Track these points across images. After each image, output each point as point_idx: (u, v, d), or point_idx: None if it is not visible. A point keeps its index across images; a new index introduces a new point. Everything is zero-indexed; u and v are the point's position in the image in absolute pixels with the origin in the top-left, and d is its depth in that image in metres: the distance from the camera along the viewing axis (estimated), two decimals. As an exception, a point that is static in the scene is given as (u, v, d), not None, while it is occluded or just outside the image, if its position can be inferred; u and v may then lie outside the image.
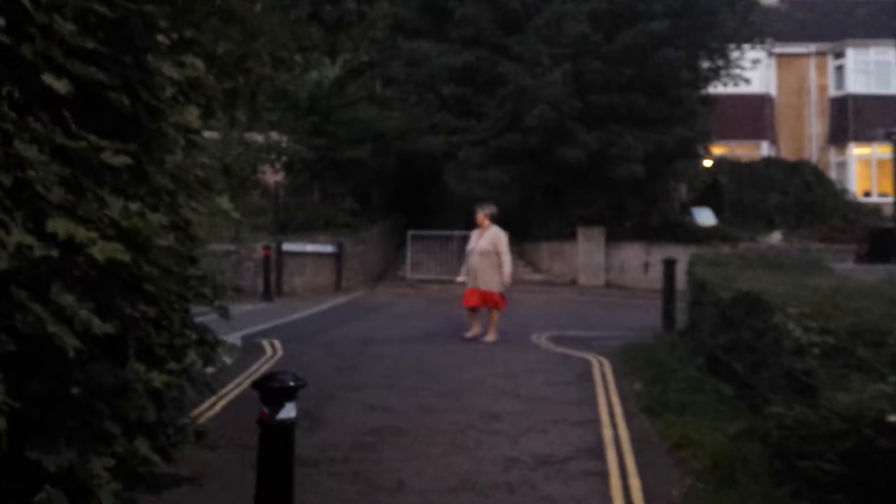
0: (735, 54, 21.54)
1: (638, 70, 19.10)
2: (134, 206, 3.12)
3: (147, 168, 3.71)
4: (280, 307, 16.45)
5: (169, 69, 3.88)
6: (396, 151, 22.84)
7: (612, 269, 21.97)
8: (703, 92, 22.26)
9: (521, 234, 21.72)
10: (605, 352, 10.75)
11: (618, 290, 21.11)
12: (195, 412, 7.15)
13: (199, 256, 6.12)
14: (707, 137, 21.12)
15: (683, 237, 21.37)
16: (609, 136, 19.23)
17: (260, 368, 9.34)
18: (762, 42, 23.56)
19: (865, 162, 28.78)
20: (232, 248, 18.61)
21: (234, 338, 11.15)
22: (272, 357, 10.11)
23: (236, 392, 8.18)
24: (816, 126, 29.64)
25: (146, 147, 3.71)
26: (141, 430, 3.62)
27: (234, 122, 22.43)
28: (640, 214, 21.64)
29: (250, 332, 12.02)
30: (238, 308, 15.54)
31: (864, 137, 28.59)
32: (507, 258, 11.70)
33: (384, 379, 8.82)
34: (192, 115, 4.92)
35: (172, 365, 4.71)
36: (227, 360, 9.82)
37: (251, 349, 10.56)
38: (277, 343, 11.01)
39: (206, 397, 7.31)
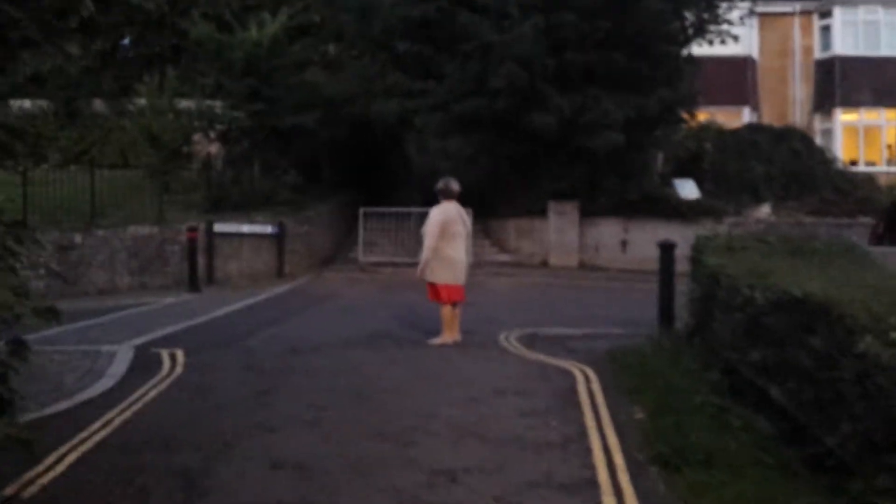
0: (723, 6, 19.36)
1: (617, 24, 16.89)
2: None
3: None
4: (206, 300, 14.14)
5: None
6: (348, 119, 20.48)
7: (586, 247, 19.94)
8: (684, 51, 20.12)
9: (487, 210, 19.61)
10: (590, 358, 8.70)
11: (593, 272, 19.13)
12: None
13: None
14: (693, 101, 19.00)
15: (665, 212, 19.46)
16: (584, 99, 17.07)
17: (143, 396, 7.09)
18: (746, -3, 21.47)
19: (852, 129, 27.02)
20: (153, 230, 16.21)
21: (125, 348, 8.93)
22: (167, 376, 7.86)
23: (96, 438, 5.93)
24: (801, 90, 27.78)
25: None
26: None
27: (163, 87, 19.97)
28: (617, 188, 19.57)
29: (152, 338, 9.76)
30: (157, 302, 13.35)
31: (852, 102, 26.83)
32: (426, 240, 9.45)
33: (309, 409, 6.63)
34: None
35: None
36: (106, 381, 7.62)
37: (144, 364, 8.32)
38: (181, 354, 8.75)
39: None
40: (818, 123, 27.37)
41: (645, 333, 9.93)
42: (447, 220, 9.34)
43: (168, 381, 7.66)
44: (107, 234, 15.84)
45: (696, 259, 8.30)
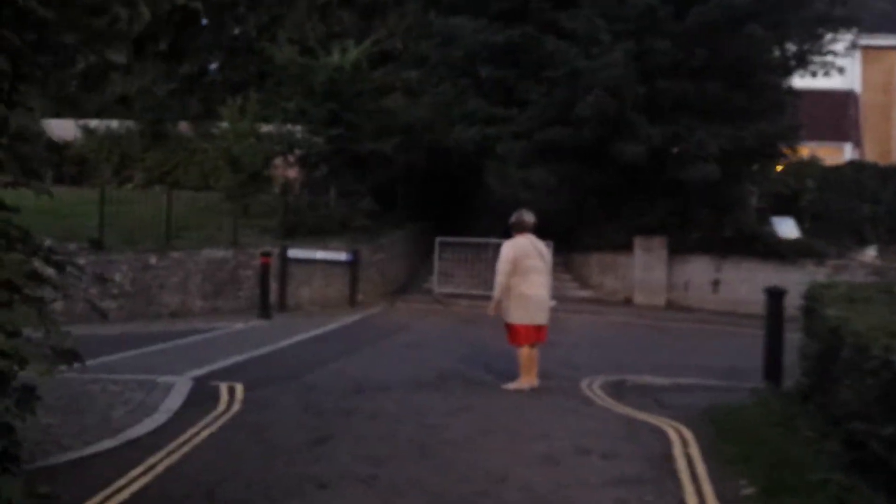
0: (827, 37, 18.13)
1: (713, 52, 15.90)
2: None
3: None
4: (276, 327, 13.70)
5: None
6: (426, 145, 19.96)
7: (674, 286, 18.81)
8: (785, 83, 18.95)
9: (569, 243, 18.73)
10: (685, 416, 7.77)
11: (681, 313, 17.99)
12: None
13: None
14: (796, 134, 17.75)
15: (761, 252, 18.23)
16: (677, 129, 16.09)
17: (193, 437, 6.53)
18: (851, 28, 20.15)
19: (962, 168, 25.07)
20: (228, 253, 15.93)
21: (183, 380, 8.44)
22: (223, 414, 7.30)
23: (133, 487, 5.36)
24: (906, 127, 26.06)
25: None
26: None
27: (245, 111, 19.88)
28: (709, 224, 18.42)
29: (214, 369, 9.27)
30: (227, 328, 12.97)
31: (962, 140, 25.02)
32: (497, 276, 8.74)
33: (366, 463, 5.94)
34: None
35: None
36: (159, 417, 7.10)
37: (201, 398, 7.80)
38: (240, 389, 8.21)
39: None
40: (925, 162, 25.55)
41: (746, 388, 9.00)
42: (519, 254, 8.62)
43: (222, 420, 7.10)
44: (181, 255, 15.64)
45: (810, 309, 7.33)
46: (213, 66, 28.11)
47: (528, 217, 8.88)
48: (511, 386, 8.74)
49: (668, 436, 7.06)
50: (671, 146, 16.03)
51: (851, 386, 5.86)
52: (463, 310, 16.83)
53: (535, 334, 8.76)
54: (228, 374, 8.99)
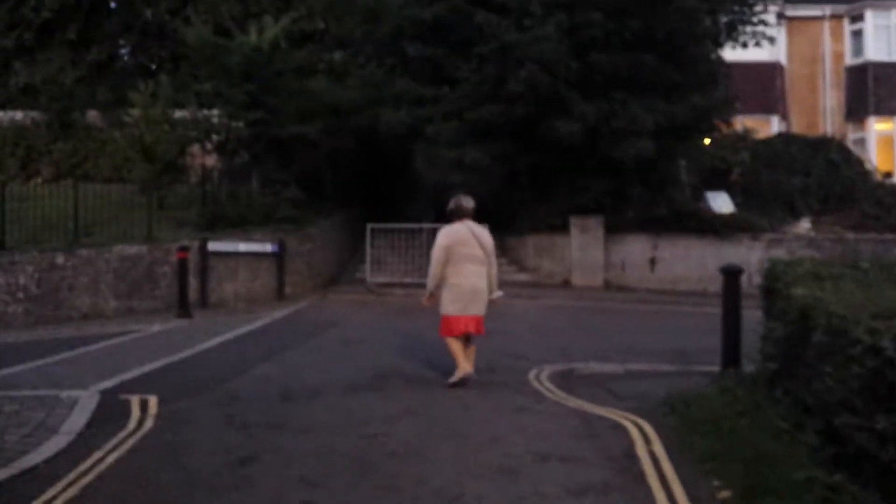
0: (757, 8, 17.89)
1: (647, 24, 15.45)
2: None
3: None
4: (196, 328, 12.74)
5: None
6: (354, 129, 19.08)
7: (611, 266, 18.47)
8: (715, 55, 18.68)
9: (504, 226, 18.15)
10: (641, 406, 7.30)
11: (620, 292, 17.68)
12: None
13: None
14: (730, 108, 17.50)
15: (697, 227, 18.06)
16: (611, 105, 15.61)
17: (98, 463, 5.68)
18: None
19: (887, 139, 25.50)
20: (142, 249, 14.84)
21: (89, 394, 7.52)
22: (133, 433, 6.44)
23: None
24: (831, 98, 26.32)
25: None
26: None
27: (156, 95, 18.65)
28: (644, 201, 18.11)
29: (125, 379, 8.35)
30: (143, 330, 11.95)
31: (886, 110, 25.34)
32: (431, 266, 8.36)
33: (298, 488, 5.19)
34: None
35: None
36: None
37: (109, 414, 6.93)
38: (154, 402, 7.34)
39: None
40: (850, 133, 25.89)
41: (699, 373, 8.57)
42: (453, 242, 8.12)
43: (132, 441, 6.25)
44: (91, 253, 14.48)
45: (772, 289, 6.86)
46: (124, 51, 26.59)
47: (467, 202, 8.33)
48: (452, 380, 8.11)
49: (629, 432, 6.53)
50: (605, 123, 15.53)
51: (830, 374, 5.37)
52: (398, 299, 16.13)
53: (469, 326, 8.14)
54: (141, 384, 8.08)
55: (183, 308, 13.91)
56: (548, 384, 8.47)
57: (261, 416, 6.94)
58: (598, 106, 15.49)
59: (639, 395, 7.82)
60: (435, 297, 8.28)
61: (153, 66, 23.50)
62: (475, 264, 8.16)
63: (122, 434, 6.41)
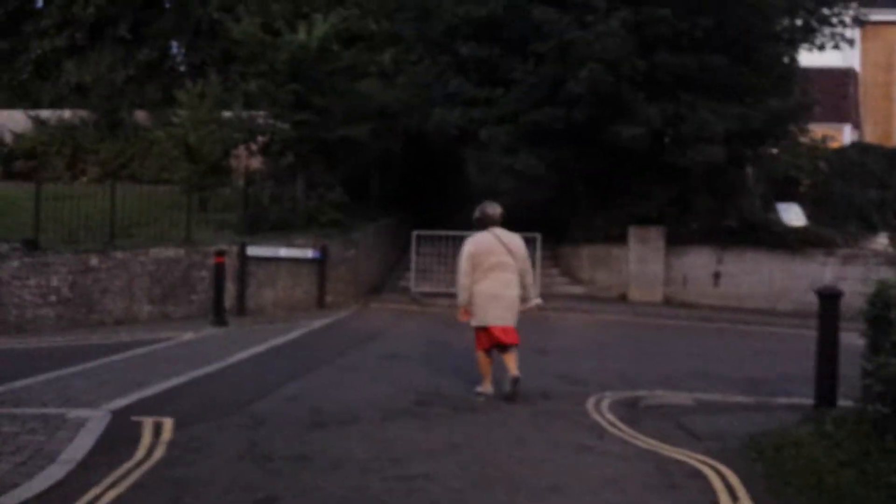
0: (835, 9, 16.64)
1: (717, 21, 14.34)
2: None
3: None
4: (230, 337, 12.05)
5: None
6: (403, 131, 18.32)
7: (672, 280, 17.34)
8: (786, 58, 17.45)
9: (557, 236, 17.19)
10: (721, 448, 6.33)
11: (681, 309, 16.54)
12: None
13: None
14: (806, 113, 16.26)
15: (766, 241, 16.83)
16: (678, 108, 14.54)
17: (94, 502, 4.91)
18: (852, 1, 18.72)
19: (967, 151, 23.82)
20: (179, 252, 14.24)
21: (99, 414, 6.80)
22: (140, 464, 5.66)
23: None
24: (908, 107, 24.76)
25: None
26: None
27: (204, 95, 18.14)
28: (710, 212, 16.95)
29: (142, 396, 7.62)
30: (174, 338, 11.30)
31: (967, 121, 23.77)
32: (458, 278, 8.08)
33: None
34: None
35: None
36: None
37: (117, 440, 6.17)
38: (169, 425, 6.57)
39: None
40: (928, 144, 24.28)
41: (780, 406, 7.57)
42: (479, 251, 7.85)
43: (137, 474, 5.46)
44: (126, 256, 13.93)
45: (883, 318, 5.82)
46: (175, 49, 26.29)
47: (492, 210, 8.03)
48: (477, 389, 8.02)
49: (710, 481, 5.55)
50: (672, 127, 14.45)
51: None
52: (442, 310, 15.19)
53: (496, 337, 7.82)
54: (159, 403, 7.34)
55: (218, 315, 13.24)
56: (609, 415, 7.50)
57: (286, 446, 6.12)
58: (663, 108, 14.43)
59: (715, 434, 6.83)
60: (469, 311, 7.95)
61: (203, 65, 23.06)
62: (504, 272, 7.87)
63: (127, 465, 5.64)
